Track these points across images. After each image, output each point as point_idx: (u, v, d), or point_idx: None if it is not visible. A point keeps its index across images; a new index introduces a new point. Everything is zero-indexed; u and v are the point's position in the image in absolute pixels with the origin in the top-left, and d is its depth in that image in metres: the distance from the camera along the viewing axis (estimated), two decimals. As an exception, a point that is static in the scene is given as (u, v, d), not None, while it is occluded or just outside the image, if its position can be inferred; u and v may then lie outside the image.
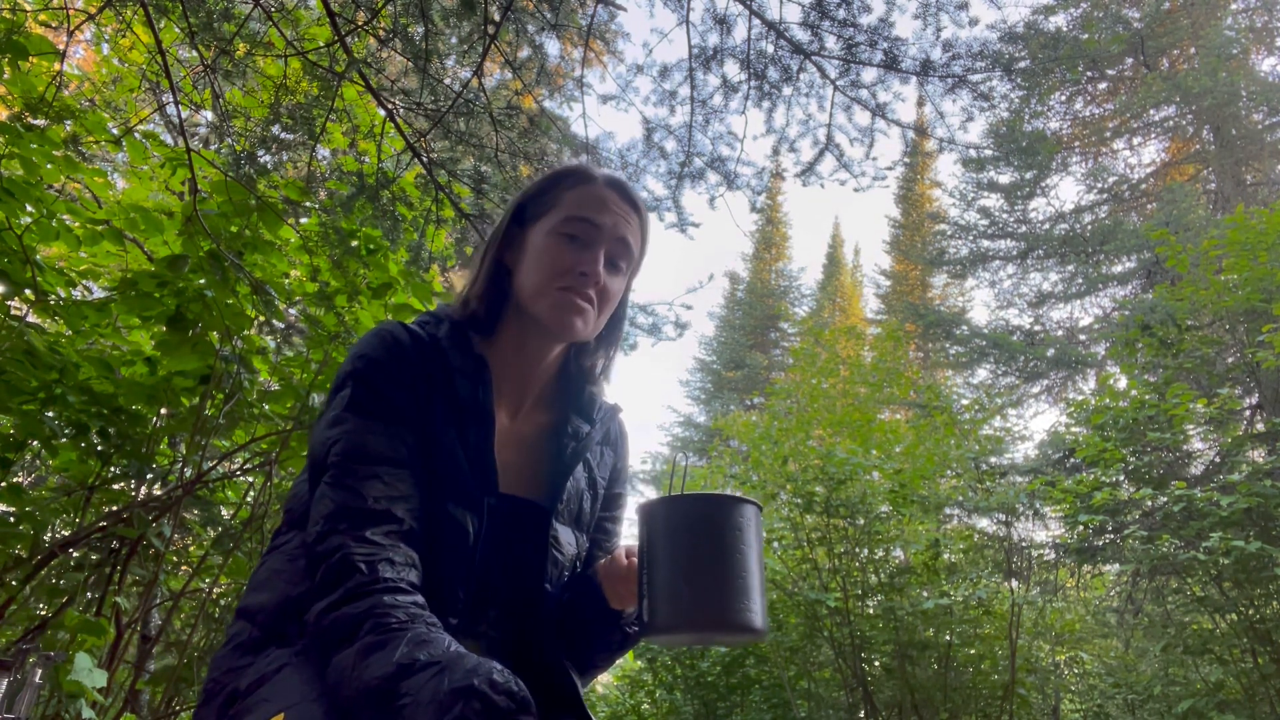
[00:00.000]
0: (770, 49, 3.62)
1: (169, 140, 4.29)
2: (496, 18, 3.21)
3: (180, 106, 3.26)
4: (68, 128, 2.67)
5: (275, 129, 3.95)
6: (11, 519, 2.22)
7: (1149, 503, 5.26)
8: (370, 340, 0.93)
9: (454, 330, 0.98)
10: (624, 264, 1.01)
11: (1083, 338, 11.24)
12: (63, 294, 2.43)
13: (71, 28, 2.95)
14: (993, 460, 7.29)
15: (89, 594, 2.32)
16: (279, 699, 0.76)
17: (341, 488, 0.83)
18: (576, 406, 1.06)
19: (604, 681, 7.79)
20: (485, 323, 1.01)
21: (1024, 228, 11.66)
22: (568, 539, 0.99)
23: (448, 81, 3.62)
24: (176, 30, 3.35)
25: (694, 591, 0.75)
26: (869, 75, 3.60)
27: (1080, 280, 11.18)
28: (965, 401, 8.11)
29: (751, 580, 0.76)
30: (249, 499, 2.76)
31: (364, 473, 0.84)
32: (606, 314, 1.02)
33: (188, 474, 2.40)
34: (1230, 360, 6.87)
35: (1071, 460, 7.38)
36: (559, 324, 0.96)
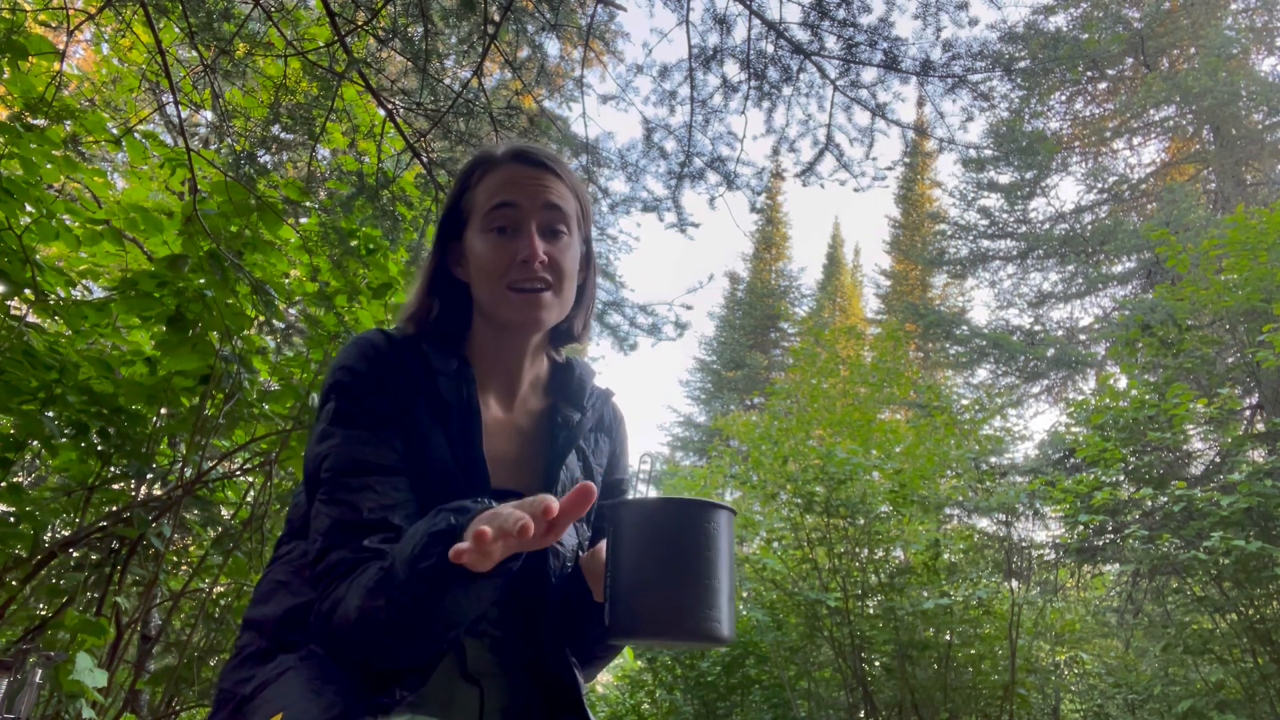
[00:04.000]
0: (770, 49, 3.62)
1: (169, 140, 4.28)
2: (496, 18, 3.21)
3: (180, 106, 3.26)
4: (67, 128, 2.67)
5: (275, 129, 3.95)
6: (11, 519, 2.22)
7: (1149, 503, 5.26)
8: (349, 351, 0.93)
9: (435, 332, 0.99)
10: (563, 226, 0.98)
11: (1083, 338, 11.24)
12: (63, 294, 2.43)
13: (71, 28, 2.95)
14: (993, 460, 7.29)
15: (89, 594, 2.32)
16: (279, 699, 0.77)
17: (335, 503, 0.84)
18: (566, 394, 1.05)
19: (604, 681, 7.79)
20: (457, 334, 1.02)
21: (1024, 228, 11.66)
22: (567, 529, 0.98)
23: (448, 81, 3.62)
24: (176, 30, 3.35)
25: (656, 596, 0.75)
26: (869, 75, 3.61)
27: (1080, 280, 11.19)
28: (965, 401, 8.11)
29: (717, 586, 0.75)
30: (249, 499, 2.76)
31: (355, 485, 0.84)
32: (570, 281, 0.99)
33: (188, 474, 2.40)
34: (1230, 360, 6.87)
35: (1071, 460, 7.38)
36: (522, 322, 0.96)
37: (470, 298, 1.02)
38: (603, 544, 0.95)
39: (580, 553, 1.01)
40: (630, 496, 0.89)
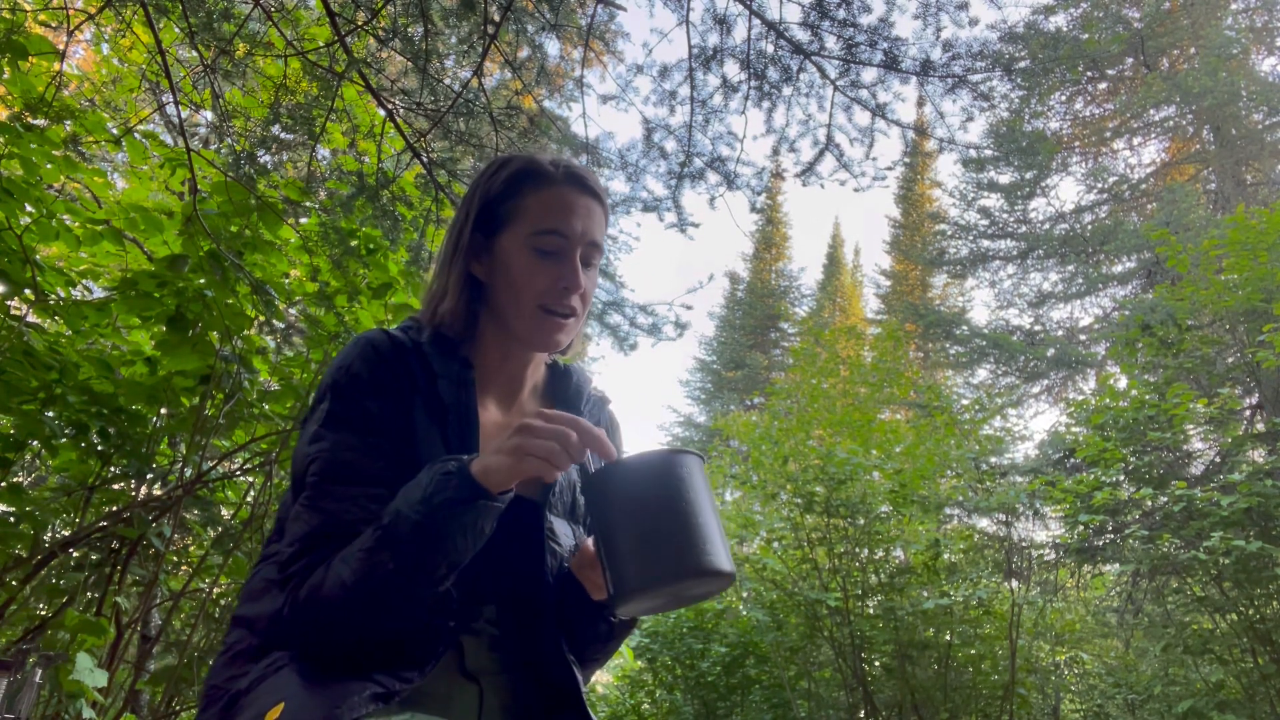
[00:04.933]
0: (770, 49, 3.62)
1: (169, 140, 4.29)
2: (496, 18, 3.21)
3: (180, 106, 3.26)
4: (68, 128, 2.67)
5: (275, 129, 3.95)
6: (11, 519, 2.22)
7: (1149, 503, 5.26)
8: (349, 351, 0.93)
9: (437, 334, 0.98)
10: (596, 258, 1.01)
11: (1083, 338, 11.24)
12: (63, 294, 2.43)
13: (71, 28, 2.95)
14: (993, 460, 7.29)
15: (89, 594, 2.33)
16: (276, 693, 0.76)
17: (316, 510, 0.84)
18: (563, 399, 1.06)
19: (604, 681, 7.79)
20: (462, 334, 1.01)
21: (1024, 228, 11.66)
22: (564, 530, 0.99)
23: (448, 81, 3.62)
24: (176, 30, 3.35)
25: (649, 551, 0.75)
26: (869, 75, 3.60)
27: (1080, 280, 11.19)
28: (965, 401, 8.11)
29: (704, 524, 0.76)
30: (249, 499, 2.76)
31: (338, 494, 0.84)
32: (587, 308, 1.02)
33: (188, 474, 2.40)
34: (1230, 360, 6.87)
35: (1071, 460, 7.38)
36: (543, 344, 0.97)
37: (480, 297, 1.01)
38: (590, 538, 0.96)
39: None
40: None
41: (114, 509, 2.37)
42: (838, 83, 3.64)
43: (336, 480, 0.85)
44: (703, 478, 0.80)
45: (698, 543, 0.75)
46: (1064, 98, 11.99)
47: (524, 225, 0.97)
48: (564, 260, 0.96)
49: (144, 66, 4.53)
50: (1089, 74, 11.42)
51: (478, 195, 1.02)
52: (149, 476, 2.44)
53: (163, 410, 2.42)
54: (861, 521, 5.52)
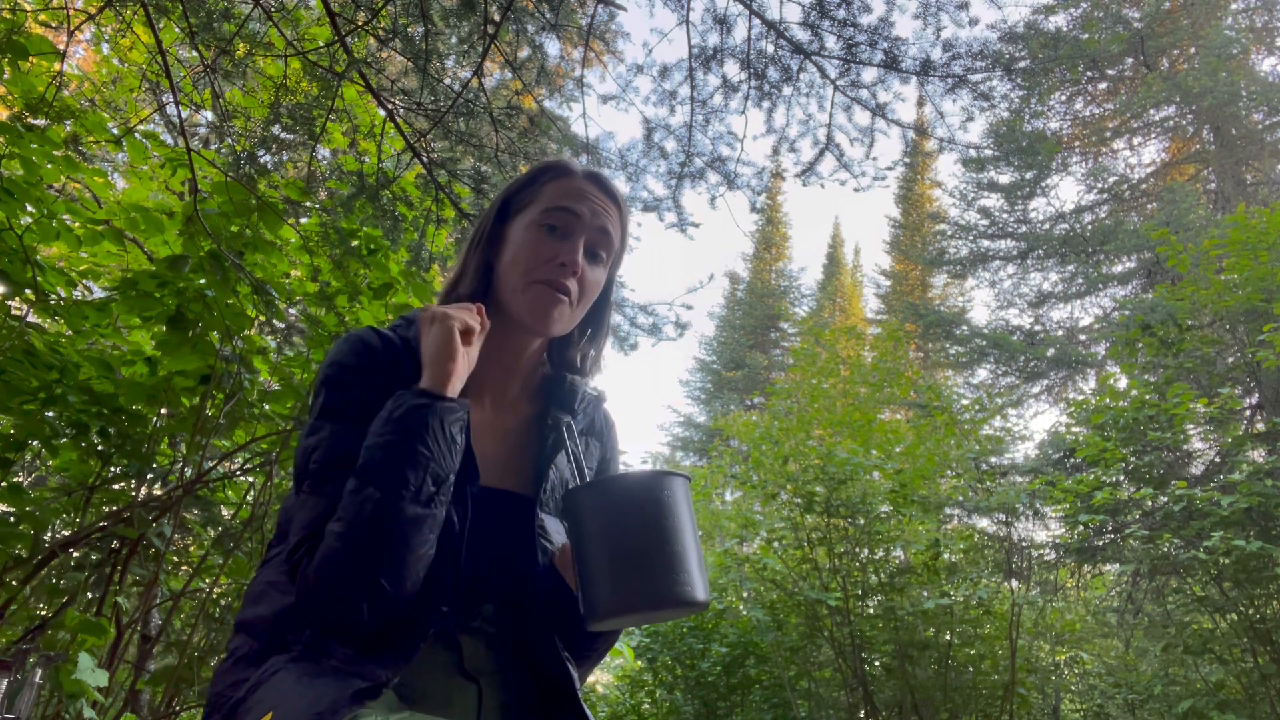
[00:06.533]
0: (770, 49, 3.62)
1: (169, 140, 4.28)
2: (496, 18, 3.21)
3: (180, 106, 3.26)
4: (68, 128, 2.67)
5: (275, 129, 3.95)
6: (11, 519, 2.22)
7: (1149, 503, 5.26)
8: (340, 347, 0.95)
9: None
10: (604, 253, 1.02)
11: (1083, 338, 11.24)
12: (63, 294, 2.43)
13: (71, 28, 2.95)
14: (993, 460, 7.29)
15: (89, 594, 2.33)
16: (270, 699, 0.77)
17: (319, 495, 0.85)
18: (557, 398, 1.06)
19: (604, 681, 7.79)
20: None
21: (1024, 228, 11.65)
22: (555, 528, 0.99)
23: (448, 81, 3.62)
24: (176, 30, 3.35)
25: (623, 573, 0.75)
26: (869, 75, 3.61)
27: (1080, 280, 11.18)
28: (965, 401, 8.11)
29: (682, 552, 0.76)
30: (249, 499, 2.76)
31: (341, 479, 0.85)
32: (586, 304, 1.02)
33: (188, 474, 2.40)
34: (1230, 360, 6.86)
35: (1071, 460, 7.38)
36: (535, 319, 0.97)
37: (489, 285, 1.03)
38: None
39: None
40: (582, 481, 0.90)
41: (114, 509, 2.37)
42: (838, 83, 3.64)
43: (339, 466, 0.86)
44: (686, 502, 0.79)
45: (671, 573, 0.75)
46: (1064, 98, 11.98)
47: (536, 207, 1.00)
48: (568, 237, 0.98)
49: (144, 66, 4.53)
50: (1089, 74, 11.42)
51: (503, 192, 1.06)
52: (149, 476, 2.43)
53: (163, 410, 2.42)
54: (861, 521, 5.52)
